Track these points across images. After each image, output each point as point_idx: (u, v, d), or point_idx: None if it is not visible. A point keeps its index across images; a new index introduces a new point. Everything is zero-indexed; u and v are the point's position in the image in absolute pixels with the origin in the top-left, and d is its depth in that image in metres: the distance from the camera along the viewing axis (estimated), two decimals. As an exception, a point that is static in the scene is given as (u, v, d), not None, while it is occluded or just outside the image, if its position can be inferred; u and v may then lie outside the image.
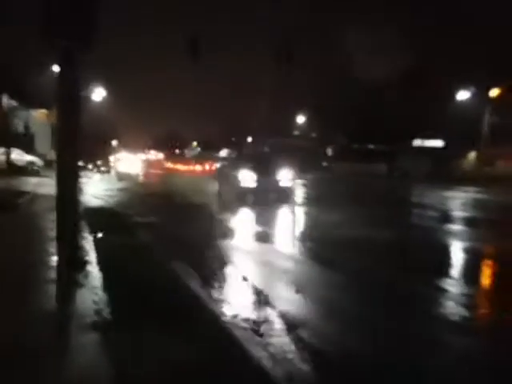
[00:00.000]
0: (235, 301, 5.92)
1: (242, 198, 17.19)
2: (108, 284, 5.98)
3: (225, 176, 19.91)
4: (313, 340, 4.67)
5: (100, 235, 9.72)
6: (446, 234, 12.16)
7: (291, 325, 5.03)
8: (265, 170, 17.71)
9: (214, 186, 21.32)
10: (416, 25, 39.55)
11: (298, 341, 4.62)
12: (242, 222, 13.80)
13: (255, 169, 17.52)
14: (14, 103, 36.96)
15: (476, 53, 37.00)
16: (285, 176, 17.88)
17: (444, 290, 6.51)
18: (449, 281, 7.06)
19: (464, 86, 39.50)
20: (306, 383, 3.87)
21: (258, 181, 17.39)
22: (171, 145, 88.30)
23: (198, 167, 46.48)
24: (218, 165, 30.91)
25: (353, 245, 10.04)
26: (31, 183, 22.20)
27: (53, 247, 7.26)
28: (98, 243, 8.74)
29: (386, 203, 21.32)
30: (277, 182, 17.68)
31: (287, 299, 6.09)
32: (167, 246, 9.38)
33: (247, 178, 17.49)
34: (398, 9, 40.66)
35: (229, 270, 7.52)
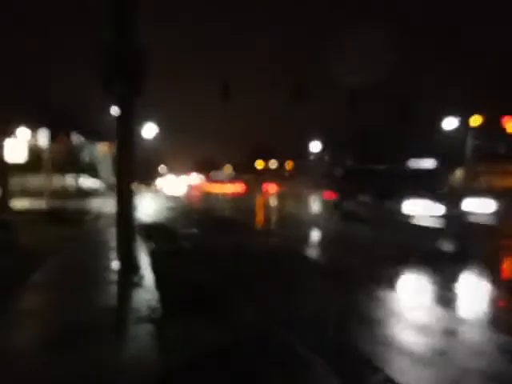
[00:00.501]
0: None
1: None
2: (158, 284, 6.08)
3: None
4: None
5: (152, 244, 9.86)
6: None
7: None
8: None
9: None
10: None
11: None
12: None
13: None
14: (81, 138, 37.89)
15: (462, 82, 36.67)
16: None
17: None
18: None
19: (450, 114, 39.12)
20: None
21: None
22: (209, 168, 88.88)
23: (231, 188, 46.49)
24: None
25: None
26: (96, 204, 22.58)
27: (113, 255, 7.41)
28: (150, 251, 8.87)
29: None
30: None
31: None
32: (205, 251, 9.50)
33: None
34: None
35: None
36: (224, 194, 43.14)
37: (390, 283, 6.73)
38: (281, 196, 38.28)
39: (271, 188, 49.78)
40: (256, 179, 56.83)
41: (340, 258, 9.03)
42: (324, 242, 12.08)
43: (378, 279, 6.87)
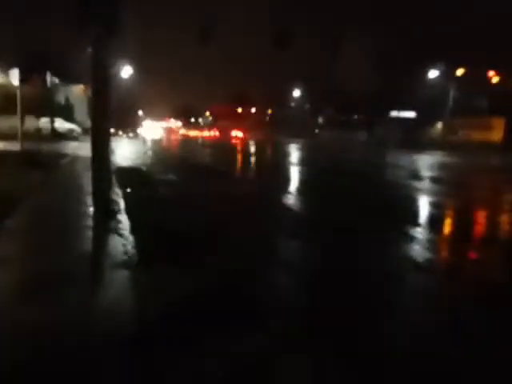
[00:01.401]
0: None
1: None
2: (135, 229, 6.01)
3: None
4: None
5: (128, 190, 9.73)
6: (414, 189, 12.13)
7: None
8: None
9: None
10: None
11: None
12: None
13: None
14: (56, 80, 36.58)
15: (449, 34, 36.23)
16: None
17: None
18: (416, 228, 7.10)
19: (434, 65, 38.76)
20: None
21: None
22: (187, 115, 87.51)
23: (208, 133, 46.03)
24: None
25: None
26: (71, 147, 22.11)
27: (89, 200, 7.28)
28: (126, 196, 8.76)
29: (360, 163, 21.23)
30: None
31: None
32: (181, 199, 9.43)
33: None
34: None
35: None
36: (201, 138, 42.67)
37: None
38: (249, 143, 38.11)
39: (238, 134, 49.53)
40: (232, 126, 56.23)
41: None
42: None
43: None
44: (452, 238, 7.22)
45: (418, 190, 11.87)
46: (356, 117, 50.95)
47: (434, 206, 9.66)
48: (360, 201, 9.88)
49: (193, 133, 50.29)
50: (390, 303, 4.14)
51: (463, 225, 8.11)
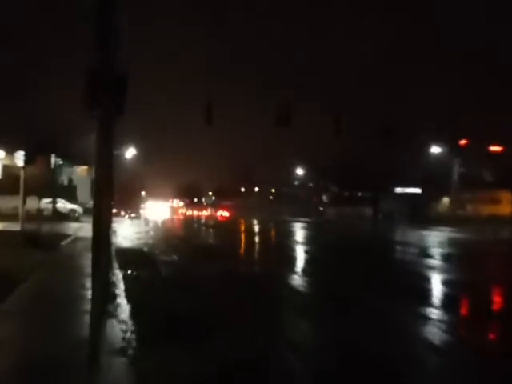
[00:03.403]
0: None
1: None
2: (134, 314, 5.85)
3: None
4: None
5: (129, 271, 9.59)
6: (425, 266, 11.94)
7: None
8: None
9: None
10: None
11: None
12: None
13: None
14: (60, 161, 37.53)
15: (446, 110, 37.46)
16: None
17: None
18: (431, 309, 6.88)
19: (436, 141, 39.60)
20: None
21: None
22: (191, 195, 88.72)
23: (213, 213, 46.28)
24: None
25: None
26: (72, 228, 22.18)
27: (88, 282, 7.15)
28: (126, 278, 8.63)
29: (370, 241, 21.09)
30: None
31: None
32: (183, 280, 9.28)
33: None
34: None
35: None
36: (205, 218, 42.86)
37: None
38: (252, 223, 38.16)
39: (224, 213, 49.57)
40: (239, 205, 56.78)
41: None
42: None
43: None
44: (468, 318, 6.97)
45: (430, 268, 11.68)
46: (360, 193, 51.48)
47: (447, 284, 9.45)
48: (371, 280, 9.67)
49: (196, 212, 50.67)
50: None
51: (479, 304, 7.86)
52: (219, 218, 42.15)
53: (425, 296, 7.90)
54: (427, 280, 10.02)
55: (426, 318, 6.21)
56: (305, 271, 11.06)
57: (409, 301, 7.51)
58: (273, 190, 76.40)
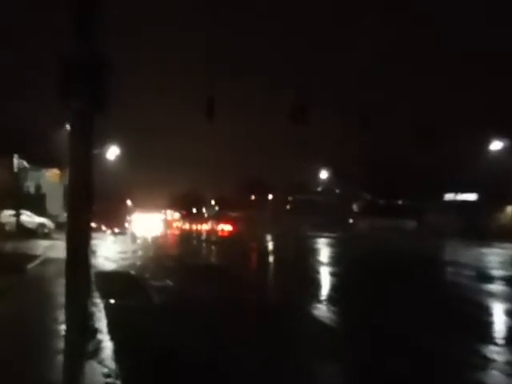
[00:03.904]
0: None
1: None
2: (119, 355, 5.83)
3: None
4: None
5: (112, 300, 9.60)
6: (485, 293, 11.84)
7: None
8: None
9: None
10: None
11: None
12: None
13: None
14: (25, 164, 37.61)
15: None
16: None
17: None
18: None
19: (497, 136, 39.22)
20: None
21: None
22: (189, 205, 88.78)
23: (216, 226, 46.25)
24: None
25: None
26: (41, 246, 22.29)
27: (62, 314, 7.15)
28: (109, 309, 8.63)
29: (415, 261, 20.96)
30: None
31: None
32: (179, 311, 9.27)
33: None
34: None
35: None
36: (206, 233, 42.96)
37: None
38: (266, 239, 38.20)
39: (225, 228, 49.34)
40: (248, 217, 56.65)
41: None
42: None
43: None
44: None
45: (491, 295, 11.59)
46: (400, 202, 51.24)
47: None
48: (416, 311, 9.59)
49: (195, 226, 50.82)
50: None
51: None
52: (219, 234, 42.00)
53: (485, 331, 7.84)
54: (488, 311, 9.94)
55: (489, 360, 6.14)
56: (333, 300, 10.99)
57: (465, 337, 7.45)
58: (290, 198, 76.29)
